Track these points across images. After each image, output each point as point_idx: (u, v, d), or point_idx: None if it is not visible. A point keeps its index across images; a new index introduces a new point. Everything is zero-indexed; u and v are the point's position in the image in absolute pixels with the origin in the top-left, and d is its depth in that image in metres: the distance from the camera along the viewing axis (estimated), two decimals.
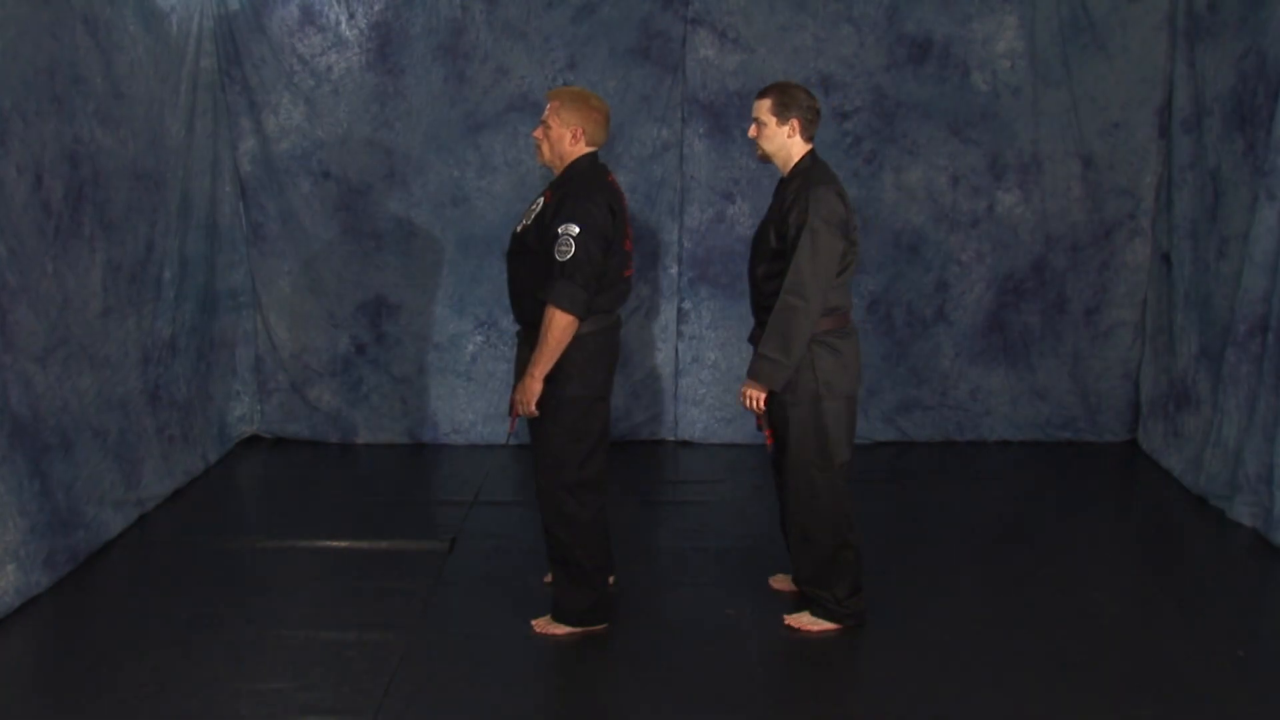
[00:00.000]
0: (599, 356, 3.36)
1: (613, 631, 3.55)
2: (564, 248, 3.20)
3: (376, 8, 5.17)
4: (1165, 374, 5.17)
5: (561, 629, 3.51)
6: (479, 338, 5.47)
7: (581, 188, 3.31)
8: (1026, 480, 5.12)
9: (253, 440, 5.61)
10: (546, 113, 3.42)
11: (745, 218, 5.35)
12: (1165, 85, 5.18)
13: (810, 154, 3.42)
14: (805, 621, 3.53)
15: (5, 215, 3.54)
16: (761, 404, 3.37)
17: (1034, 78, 5.23)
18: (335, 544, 4.25)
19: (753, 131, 3.44)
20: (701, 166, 5.33)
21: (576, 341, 3.28)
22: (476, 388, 5.54)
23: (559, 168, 3.43)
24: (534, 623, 3.55)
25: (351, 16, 5.18)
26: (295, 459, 5.41)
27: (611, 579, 3.74)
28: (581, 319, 3.25)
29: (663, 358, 5.54)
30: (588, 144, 3.41)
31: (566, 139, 3.37)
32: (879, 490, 4.93)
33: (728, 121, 5.28)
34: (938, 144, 5.31)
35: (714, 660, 3.38)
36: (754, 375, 3.34)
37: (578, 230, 3.20)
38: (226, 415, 5.41)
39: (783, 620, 3.56)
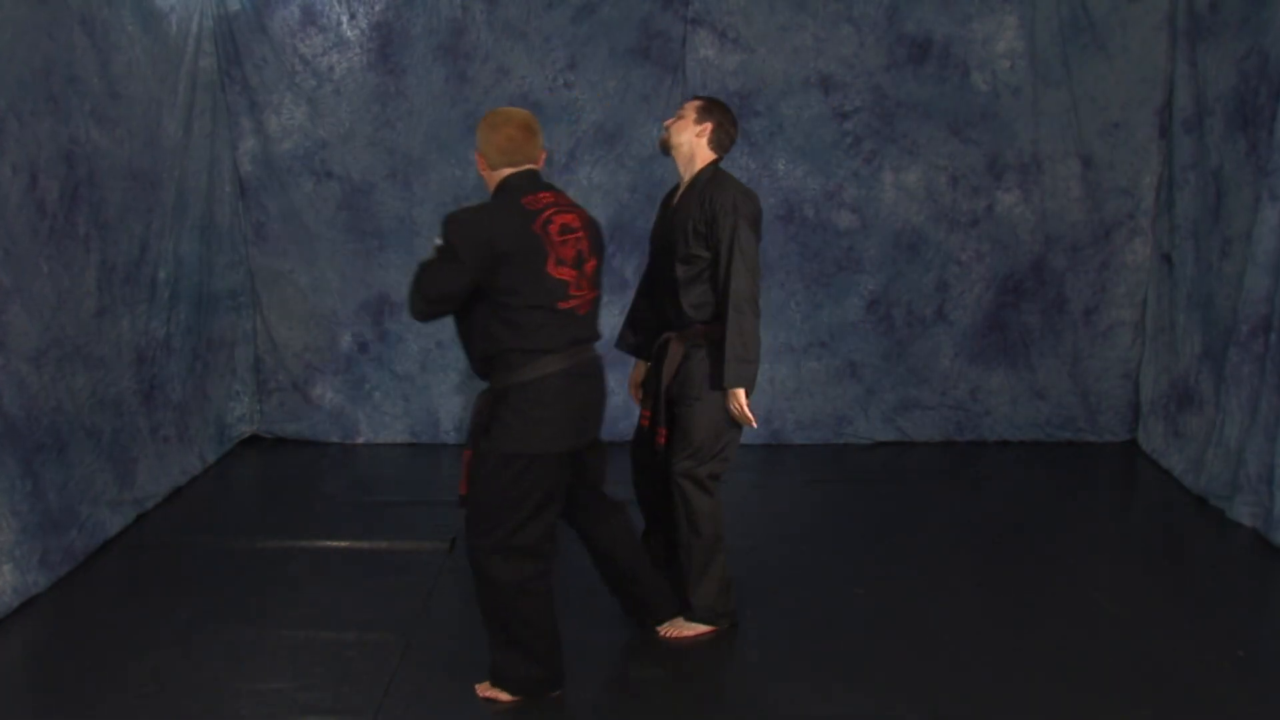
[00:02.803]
0: (536, 408, 2.94)
1: (613, 630, 3.54)
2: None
3: (377, 8, 5.18)
4: (1166, 374, 5.17)
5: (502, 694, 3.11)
6: None
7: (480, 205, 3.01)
8: (1026, 480, 5.11)
9: (253, 440, 5.60)
10: None
11: None
12: (1165, 85, 5.17)
13: (714, 164, 3.53)
14: (680, 627, 3.52)
15: None
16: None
17: (1034, 78, 5.22)
18: (335, 544, 4.25)
19: (669, 122, 3.60)
20: None
21: (514, 390, 2.95)
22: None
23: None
24: (476, 687, 3.15)
25: (353, 17, 5.18)
26: (295, 459, 5.41)
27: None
28: (419, 320, 3.08)
29: None
30: (503, 165, 2.99)
31: (481, 165, 3.04)
32: (879, 490, 4.92)
33: None
34: (937, 144, 5.31)
35: (714, 660, 3.39)
36: (737, 382, 3.33)
37: (439, 243, 2.91)
38: (225, 415, 5.40)
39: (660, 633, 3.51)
